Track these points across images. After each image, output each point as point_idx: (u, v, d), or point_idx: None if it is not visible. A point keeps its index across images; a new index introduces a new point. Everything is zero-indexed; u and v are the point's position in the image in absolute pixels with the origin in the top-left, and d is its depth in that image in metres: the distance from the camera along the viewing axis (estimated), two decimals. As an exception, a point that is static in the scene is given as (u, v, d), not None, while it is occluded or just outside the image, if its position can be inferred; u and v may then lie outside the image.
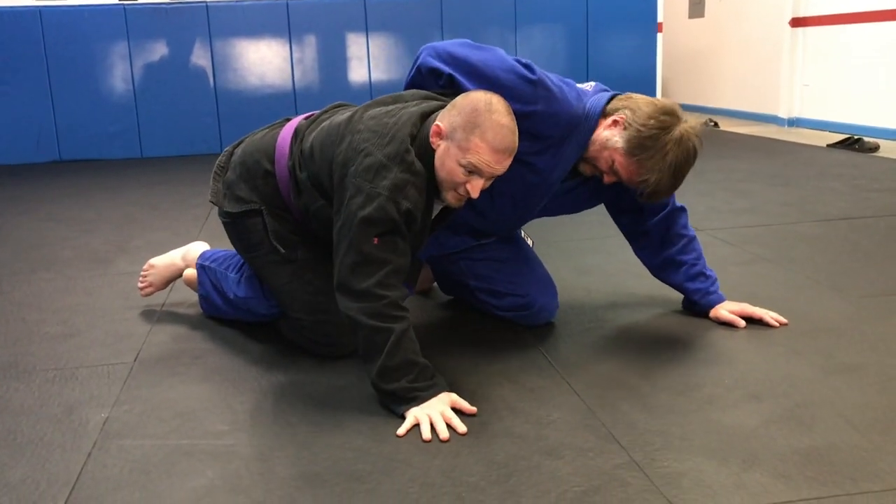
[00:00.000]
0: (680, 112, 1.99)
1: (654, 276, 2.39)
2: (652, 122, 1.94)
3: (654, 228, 2.28)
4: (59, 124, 6.50)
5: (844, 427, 1.66)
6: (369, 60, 6.90)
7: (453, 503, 1.43)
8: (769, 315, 2.26)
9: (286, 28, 6.74)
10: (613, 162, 2.00)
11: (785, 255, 3.01)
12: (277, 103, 6.77)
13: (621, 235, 2.38)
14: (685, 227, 2.30)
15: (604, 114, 2.02)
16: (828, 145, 5.94)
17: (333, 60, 6.89)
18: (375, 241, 1.76)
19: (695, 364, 2.04)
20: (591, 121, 2.01)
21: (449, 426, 1.69)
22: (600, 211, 2.37)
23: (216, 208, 2.22)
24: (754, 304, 2.30)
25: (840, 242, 3.17)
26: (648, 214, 2.26)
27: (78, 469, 1.59)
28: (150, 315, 2.54)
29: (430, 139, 1.82)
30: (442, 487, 1.48)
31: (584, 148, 2.04)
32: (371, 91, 6.84)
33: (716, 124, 7.50)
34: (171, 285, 2.64)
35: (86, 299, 2.74)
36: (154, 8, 6.53)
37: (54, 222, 4.10)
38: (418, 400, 1.74)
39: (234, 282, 2.31)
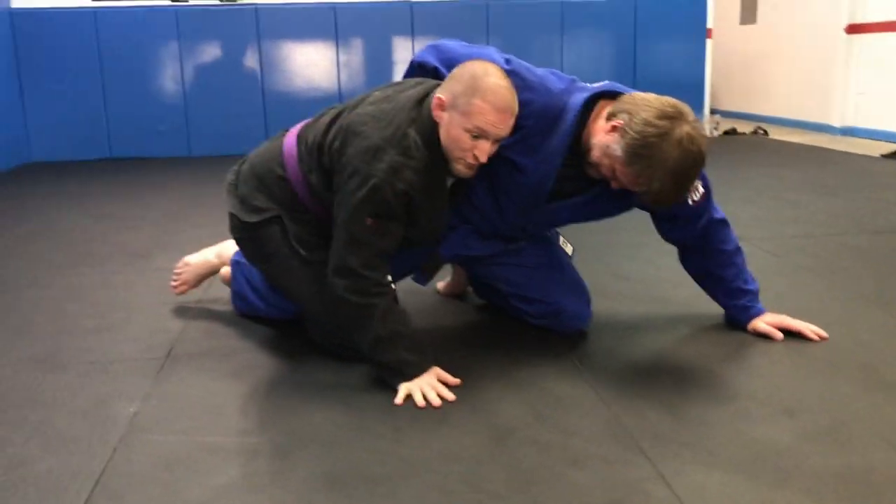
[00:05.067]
0: (683, 113, 1.85)
1: (697, 284, 2.34)
2: (649, 128, 1.82)
3: (692, 240, 2.23)
4: (110, 122, 6.64)
5: (883, 446, 1.60)
6: (415, 64, 6.91)
7: (472, 510, 1.41)
8: (809, 328, 2.20)
9: (333, 31, 6.78)
10: (615, 170, 1.91)
11: (830, 266, 2.93)
12: (323, 105, 6.73)
13: (661, 242, 2.32)
14: (724, 241, 2.22)
15: (608, 117, 1.92)
16: (882, 155, 5.78)
17: (379, 64, 6.92)
18: (369, 221, 1.85)
19: (728, 375, 1.98)
20: (569, 114, 1.96)
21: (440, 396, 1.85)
22: (640, 217, 2.31)
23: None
24: (795, 317, 2.24)
25: (889, 256, 3.07)
26: (683, 222, 2.18)
27: (103, 463, 1.60)
28: (185, 311, 2.56)
29: (433, 112, 1.87)
30: (462, 494, 1.46)
31: (567, 145, 1.97)
32: (416, 94, 6.85)
33: (765, 132, 7.36)
34: (204, 283, 2.66)
35: (123, 294, 2.78)
36: (205, 9, 6.63)
37: (100, 218, 4.18)
38: (408, 375, 1.89)
39: None
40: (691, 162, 1.84)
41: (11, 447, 1.67)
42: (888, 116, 6.65)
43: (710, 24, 7.23)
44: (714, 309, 2.36)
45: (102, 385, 2.00)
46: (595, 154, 1.94)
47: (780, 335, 2.18)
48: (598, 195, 2.09)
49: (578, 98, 1.98)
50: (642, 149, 1.82)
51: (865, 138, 6.84)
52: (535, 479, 1.51)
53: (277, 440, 1.69)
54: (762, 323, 2.21)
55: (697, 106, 7.13)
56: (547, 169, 2.02)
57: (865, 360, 2.05)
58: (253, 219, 2.12)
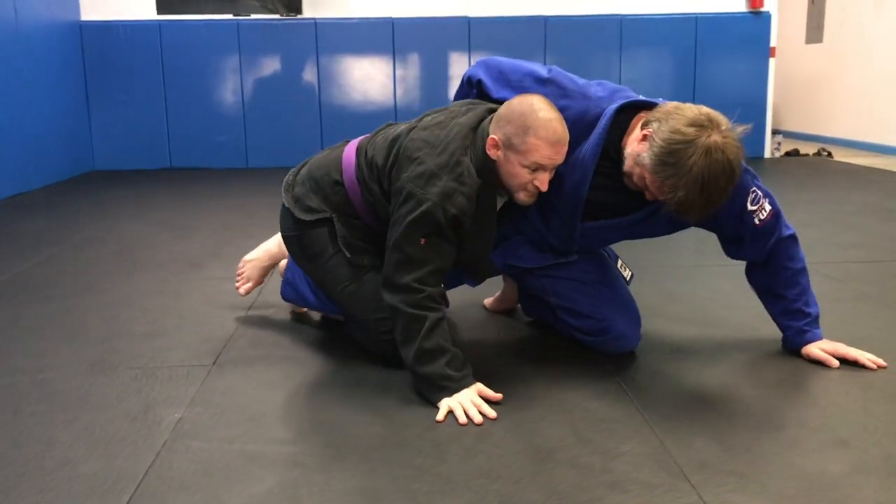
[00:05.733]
0: (715, 122, 1.82)
1: (758, 298, 2.27)
2: (676, 136, 1.80)
3: (758, 256, 2.17)
4: (171, 132, 6.79)
5: (941, 483, 1.53)
6: (471, 79, 6.92)
7: (508, 531, 1.38)
8: (866, 357, 2.12)
9: (391, 45, 6.85)
10: (645, 178, 1.90)
11: (892, 293, 2.83)
12: (379, 120, 6.77)
13: (717, 265, 2.27)
14: (792, 258, 2.15)
15: (642, 126, 1.92)
16: (951, 180, 5.59)
17: (435, 79, 6.96)
18: (422, 241, 1.92)
19: (780, 403, 1.92)
20: (602, 120, 1.99)
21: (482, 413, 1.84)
22: (695, 237, 2.25)
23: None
24: (853, 345, 2.16)
25: (955, 283, 2.96)
26: (749, 243, 2.12)
27: (146, 467, 1.62)
28: (233, 320, 2.59)
29: (488, 151, 1.95)
30: (498, 513, 1.44)
31: (599, 152, 2.00)
32: (471, 109, 6.86)
33: (829, 154, 7.17)
34: (255, 291, 2.69)
35: (175, 301, 2.83)
36: (265, 23, 6.76)
37: (157, 226, 4.27)
38: (450, 390, 1.88)
39: None
40: (719, 170, 1.79)
41: (59, 448, 1.71)
42: (959, 140, 6.44)
43: (773, 42, 7.10)
44: (767, 334, 2.30)
45: (150, 390, 2.02)
46: (627, 163, 1.95)
47: (835, 363, 2.11)
48: (649, 214, 2.06)
49: (613, 106, 1.98)
50: (668, 156, 1.81)
51: (934, 162, 6.63)
52: (573, 501, 1.47)
53: (317, 451, 1.69)
54: (817, 349, 2.14)
55: (759, 126, 7.00)
56: (580, 176, 2.03)
57: (926, 391, 1.97)
58: (306, 217, 2.19)
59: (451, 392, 1.88)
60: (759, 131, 7.04)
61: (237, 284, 2.66)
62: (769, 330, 2.27)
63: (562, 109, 1.96)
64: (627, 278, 2.37)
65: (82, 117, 6.61)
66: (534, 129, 1.89)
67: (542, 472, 1.58)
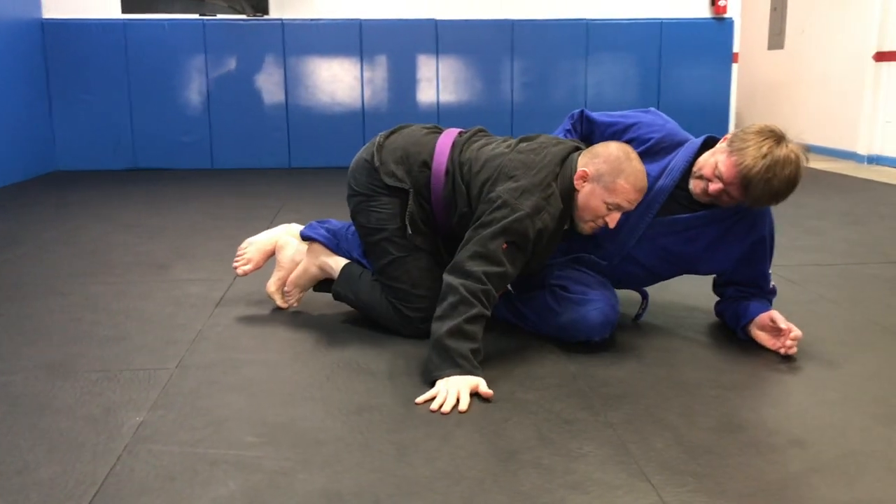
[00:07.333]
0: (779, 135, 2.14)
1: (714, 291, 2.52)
2: (754, 128, 2.14)
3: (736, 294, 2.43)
4: (135, 133, 6.72)
5: (892, 480, 1.57)
6: (438, 82, 6.95)
7: (470, 532, 1.39)
8: (788, 324, 2.25)
9: (358, 47, 6.84)
10: (717, 164, 2.15)
11: (849, 296, 2.89)
12: (346, 121, 6.88)
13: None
14: (761, 302, 2.37)
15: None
16: (907, 185, 5.72)
17: (403, 81, 6.96)
18: (504, 246, 2.09)
19: (739, 404, 1.96)
20: (694, 141, 2.34)
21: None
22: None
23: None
24: (811, 346, 2.25)
25: (910, 286, 3.03)
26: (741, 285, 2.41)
27: (106, 471, 1.61)
28: (198, 323, 2.57)
29: (575, 181, 2.18)
30: (461, 515, 1.45)
31: (688, 163, 2.28)
32: (438, 113, 6.88)
33: (790, 158, 7.28)
34: (266, 262, 2.74)
35: (139, 304, 2.80)
36: (232, 24, 6.71)
37: (121, 228, 4.22)
38: (462, 370, 1.98)
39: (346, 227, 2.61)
40: (784, 159, 2.07)
41: (17, 452, 1.68)
42: (915, 145, 6.59)
43: (736, 48, 7.21)
44: (729, 340, 2.34)
45: (111, 394, 2.01)
46: (701, 160, 2.24)
47: (785, 324, 2.25)
48: (710, 220, 2.28)
49: (702, 138, 2.34)
50: (746, 136, 2.13)
51: (892, 167, 6.77)
52: (536, 502, 1.49)
53: (280, 455, 1.68)
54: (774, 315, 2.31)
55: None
56: (666, 183, 2.28)
57: (879, 391, 2.01)
58: (388, 181, 2.34)
59: (460, 373, 1.98)
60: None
61: (236, 264, 2.69)
62: (729, 333, 2.31)
63: (653, 127, 2.37)
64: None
65: (44, 117, 6.51)
66: (626, 173, 2.13)
67: (506, 474, 1.60)
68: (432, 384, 1.99)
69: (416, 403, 1.92)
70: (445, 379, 1.97)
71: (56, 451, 1.69)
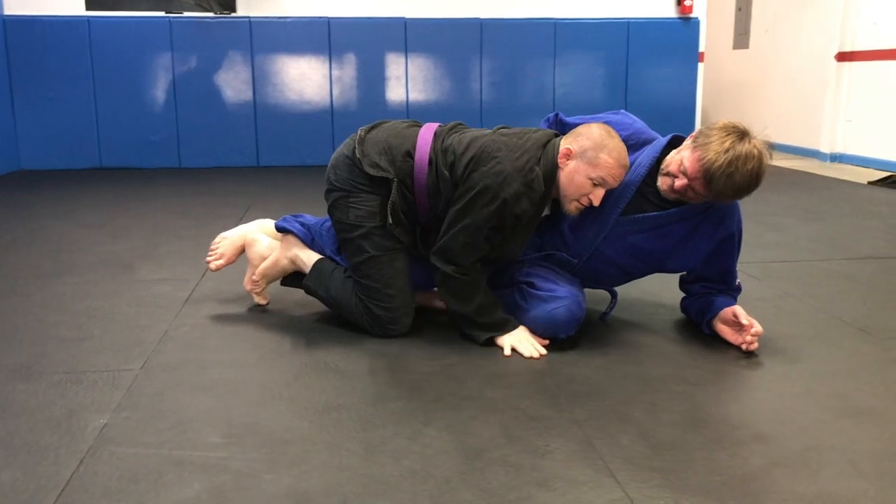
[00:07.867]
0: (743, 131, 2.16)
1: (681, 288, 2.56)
2: (719, 124, 2.17)
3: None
4: (101, 132, 6.63)
5: (852, 473, 1.60)
6: (407, 81, 6.94)
7: (437, 530, 1.40)
8: (750, 320, 2.28)
9: (327, 45, 6.81)
10: (682, 160, 2.18)
11: (812, 292, 2.93)
12: (315, 119, 6.85)
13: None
14: (726, 298, 2.41)
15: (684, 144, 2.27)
16: (869, 182, 5.82)
17: (372, 79, 6.94)
18: (486, 231, 2.21)
19: (703, 400, 1.98)
20: (660, 140, 2.35)
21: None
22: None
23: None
24: (775, 342, 2.28)
25: (871, 282, 3.08)
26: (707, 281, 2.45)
27: (69, 474, 1.59)
28: (165, 323, 2.55)
29: (558, 160, 2.25)
30: (428, 513, 1.45)
31: (654, 161, 2.30)
32: (408, 112, 6.87)
33: (756, 157, 7.38)
34: (238, 258, 2.74)
35: (104, 304, 2.77)
36: (198, 21, 6.65)
37: (86, 227, 4.17)
38: (510, 326, 2.30)
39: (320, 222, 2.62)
40: (747, 154, 2.10)
41: (-23, 457, 1.66)
42: (876, 144, 6.70)
43: (702, 47, 7.28)
44: (694, 337, 2.37)
45: (75, 396, 1.98)
46: (667, 159, 2.26)
47: (747, 319, 2.28)
48: (679, 218, 2.30)
49: (668, 136, 2.37)
50: (708, 132, 2.17)
51: (854, 165, 6.88)
52: (503, 500, 1.50)
53: (247, 455, 1.67)
54: (721, 324, 2.38)
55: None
56: (632, 178, 2.31)
57: (841, 386, 2.05)
58: (371, 171, 2.35)
59: (510, 330, 2.29)
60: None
61: (208, 259, 2.69)
62: (694, 329, 2.34)
63: (623, 126, 2.39)
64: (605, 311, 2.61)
65: (7, 115, 6.40)
66: (608, 149, 2.20)
67: (473, 472, 1.60)
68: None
69: (506, 356, 2.24)
70: (506, 338, 2.28)
71: (17, 455, 1.67)
